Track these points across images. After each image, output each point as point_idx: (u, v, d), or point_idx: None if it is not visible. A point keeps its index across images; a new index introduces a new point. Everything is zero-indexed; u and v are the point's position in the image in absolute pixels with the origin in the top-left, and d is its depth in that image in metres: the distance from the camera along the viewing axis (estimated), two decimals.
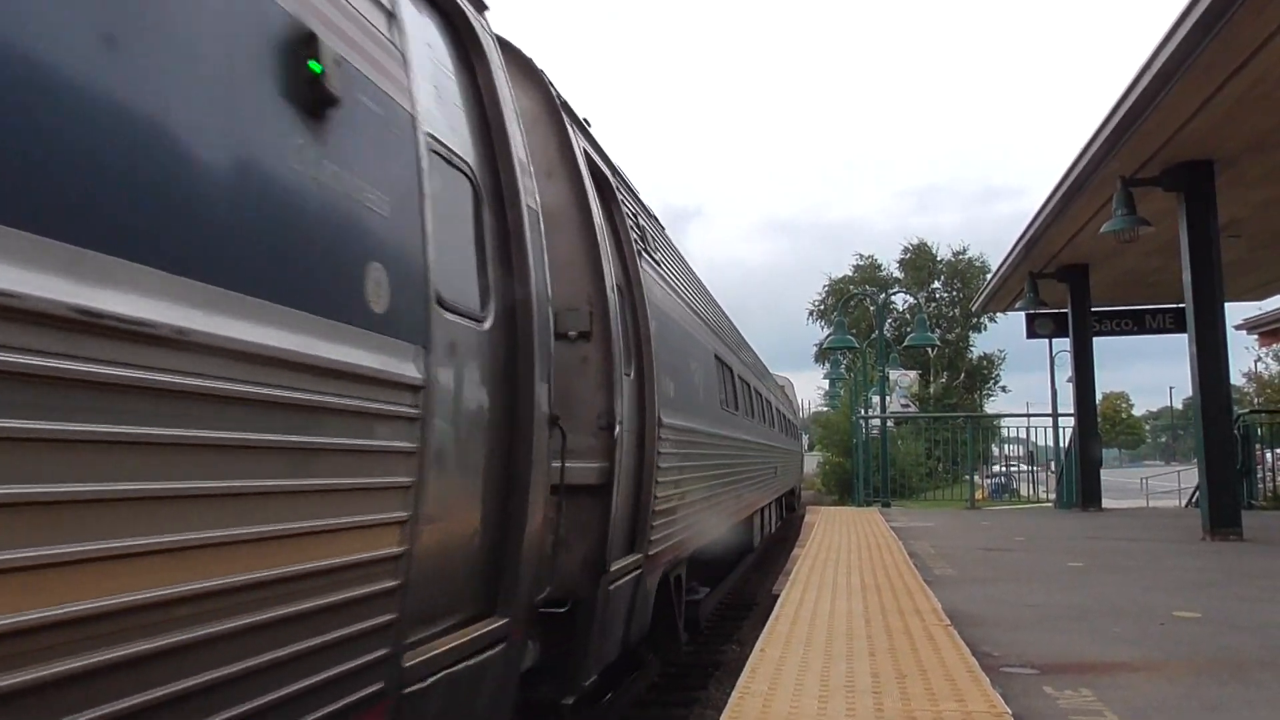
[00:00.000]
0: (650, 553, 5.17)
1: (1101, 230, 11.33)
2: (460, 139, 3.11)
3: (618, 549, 4.59)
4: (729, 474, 8.76)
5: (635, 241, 5.45)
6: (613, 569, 4.41)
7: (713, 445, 7.57)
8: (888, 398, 25.79)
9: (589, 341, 4.32)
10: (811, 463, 38.98)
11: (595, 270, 4.48)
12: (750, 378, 12.43)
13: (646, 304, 5.36)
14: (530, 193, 3.59)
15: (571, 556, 4.23)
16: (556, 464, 3.74)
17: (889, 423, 24.67)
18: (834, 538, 10.91)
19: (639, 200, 6.33)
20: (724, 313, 11.72)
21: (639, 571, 4.98)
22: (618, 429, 4.41)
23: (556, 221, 4.22)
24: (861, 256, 52.40)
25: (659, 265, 6.25)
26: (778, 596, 6.48)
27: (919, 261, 50.53)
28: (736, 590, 11.95)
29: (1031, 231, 13.85)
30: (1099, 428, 18.14)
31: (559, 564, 3.98)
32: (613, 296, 4.54)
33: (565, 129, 4.65)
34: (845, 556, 8.83)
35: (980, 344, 50.68)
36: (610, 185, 5.29)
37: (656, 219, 7.23)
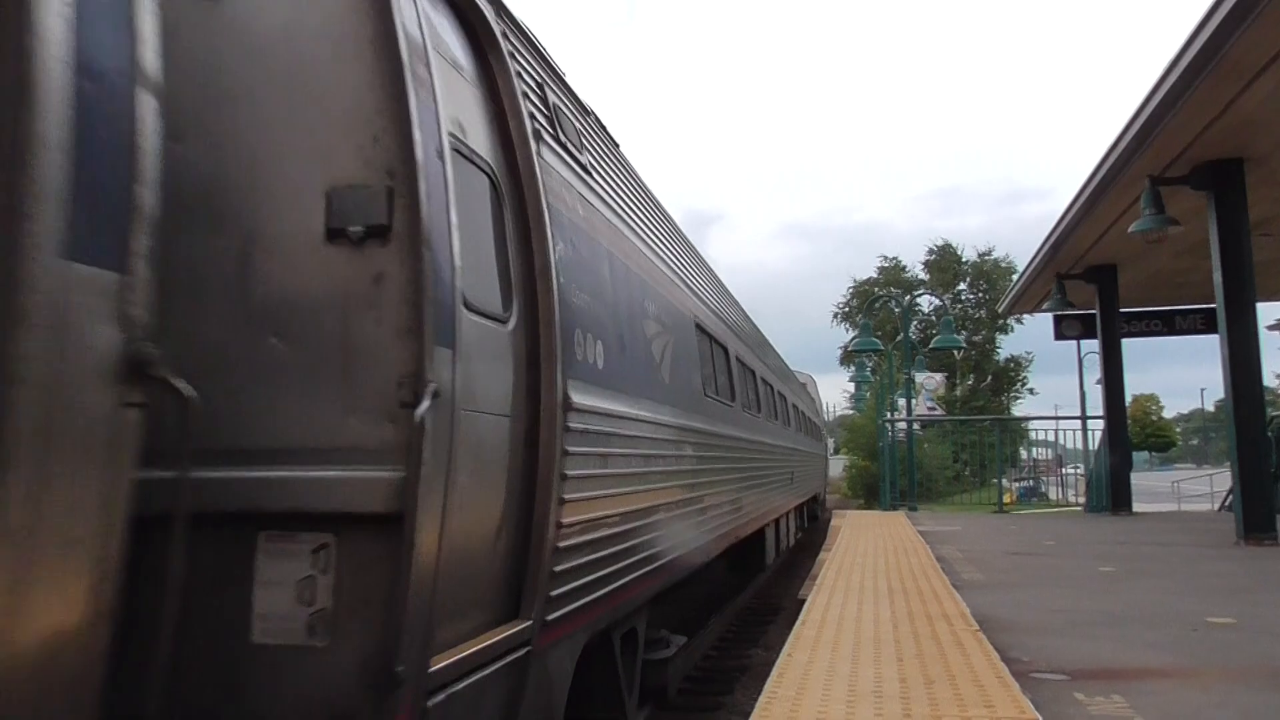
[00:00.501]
0: (552, 616, 3.31)
1: (1129, 230, 11.21)
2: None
3: (453, 627, 2.69)
4: (719, 482, 6.93)
5: (532, 116, 3.58)
6: (436, 667, 2.50)
7: (689, 444, 5.78)
8: (914, 401, 25.61)
9: (385, 245, 2.48)
10: (837, 466, 38.80)
11: (398, 120, 2.53)
12: (758, 365, 10.57)
13: (546, 212, 3.44)
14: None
15: (339, 653, 2.36)
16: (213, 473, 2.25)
17: (915, 426, 24.51)
18: (860, 542, 10.84)
19: (552, 69, 4.34)
20: (729, 294, 10.15)
21: (524, 652, 3.10)
22: (424, 407, 2.39)
23: (304, 31, 2.60)
24: (886, 258, 52.09)
25: (588, 174, 4.41)
26: (803, 601, 6.45)
27: (944, 263, 50.16)
28: (761, 594, 11.91)
29: (1058, 232, 13.72)
30: (1129, 430, 17.92)
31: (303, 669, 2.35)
32: (434, 169, 2.62)
33: None
34: (872, 561, 8.77)
35: (1007, 346, 50.23)
36: (483, 18, 3.38)
37: (596, 117, 5.22)
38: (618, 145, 5.79)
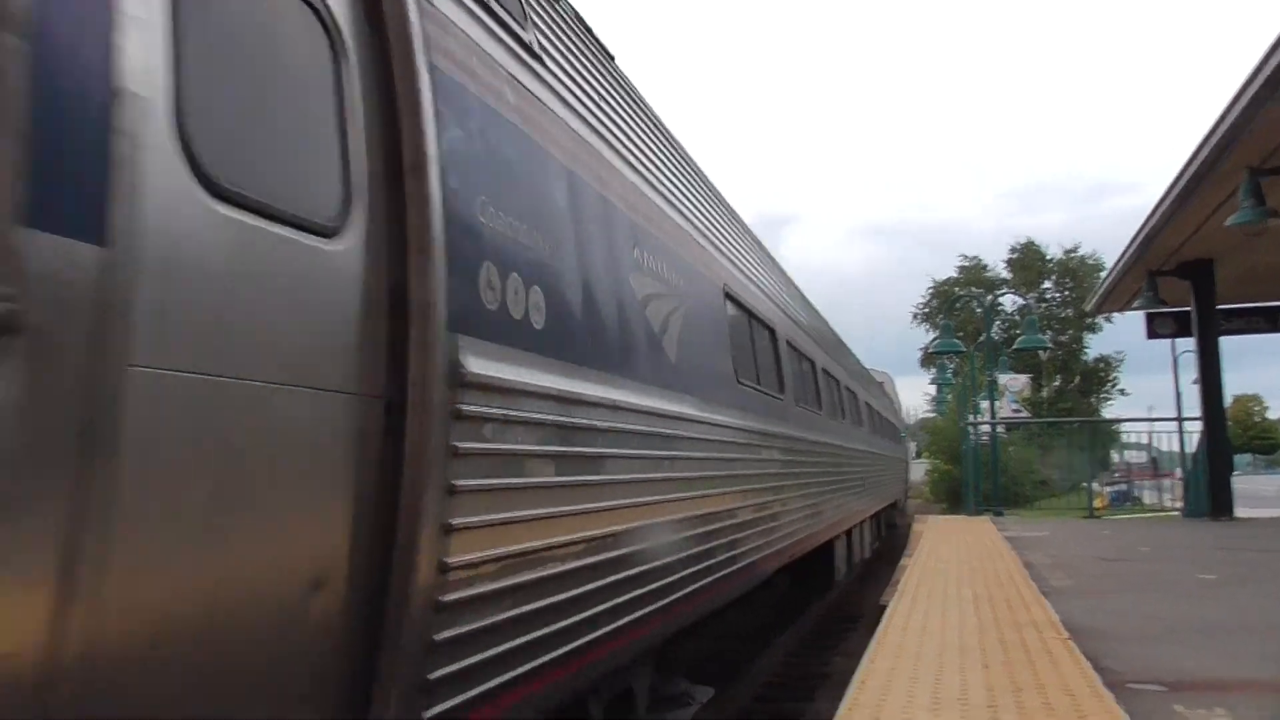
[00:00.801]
0: (439, 709, 2.16)
1: (1227, 224, 10.74)
2: None
3: None
4: (764, 490, 5.77)
5: None
6: None
7: (713, 442, 4.62)
8: (997, 403, 24.98)
9: None
10: (918, 470, 38.03)
11: None
12: (818, 355, 9.20)
13: (426, 79, 2.28)
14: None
15: None
16: None
17: (999, 428, 23.90)
18: (943, 548, 10.60)
19: None
20: (784, 275, 9.10)
21: None
22: None
23: None
24: (966, 257, 50.97)
25: (537, 59, 3.20)
26: (884, 608, 6.32)
27: (1028, 261, 48.87)
28: (840, 601, 11.72)
29: (1149, 227, 13.22)
30: (1228, 432, 17.17)
31: None
32: None
33: None
34: (955, 567, 8.56)
35: (1096, 345, 48.68)
36: None
37: (572, 8, 4.15)
38: (612, 59, 4.76)
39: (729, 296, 5.49)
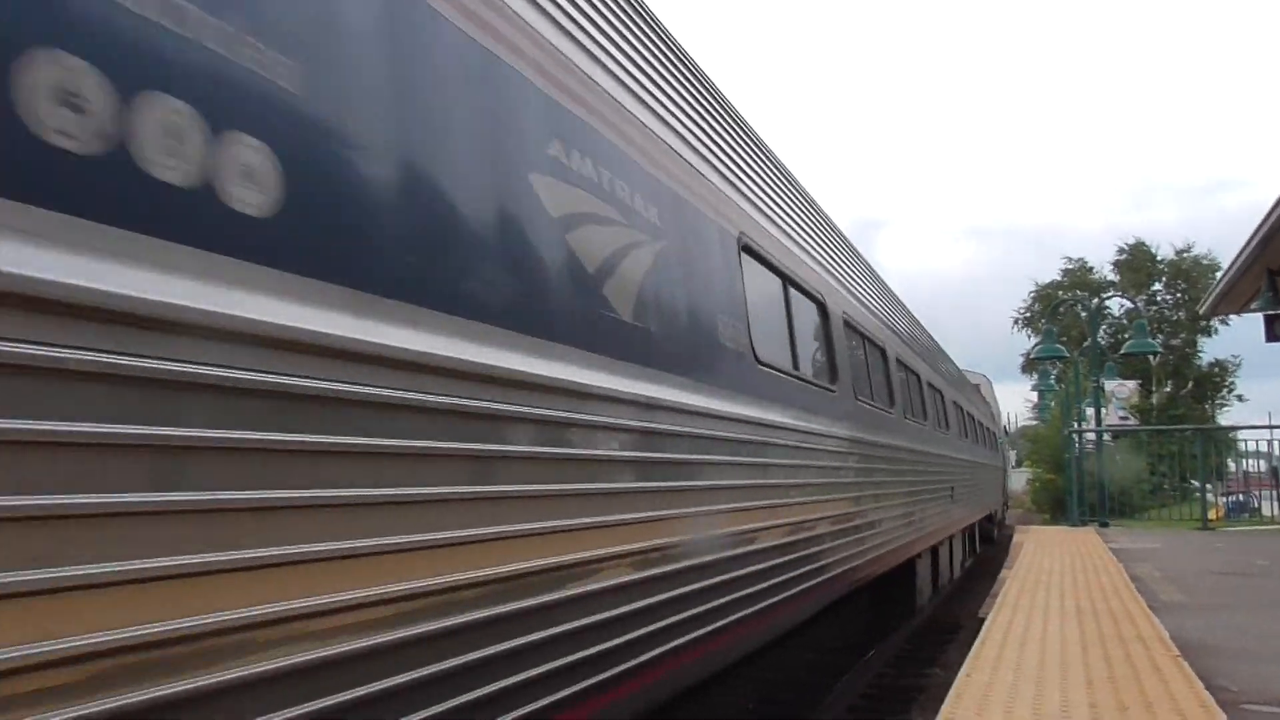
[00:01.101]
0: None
1: None
2: None
3: None
4: (798, 503, 4.80)
5: None
6: None
7: (704, 439, 3.61)
8: (1103, 410, 24.08)
9: None
10: (1020, 480, 36.91)
11: None
12: (890, 343, 8.19)
13: None
14: None
15: None
16: None
17: (1105, 436, 23.03)
18: (1045, 559, 10.28)
19: None
20: (881, 283, 8.50)
21: None
22: None
23: None
24: (1070, 259, 49.28)
25: None
26: (983, 620, 6.18)
27: (1136, 262, 46.98)
28: (939, 613, 11.46)
29: (1269, 223, 12.60)
30: None
31: None
32: None
33: None
34: (1058, 579, 8.30)
35: (1210, 349, 46.45)
36: None
37: None
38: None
39: (747, 249, 4.57)
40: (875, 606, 8.06)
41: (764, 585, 4.17)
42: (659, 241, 3.49)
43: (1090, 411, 23.53)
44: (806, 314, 5.59)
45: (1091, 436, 22.07)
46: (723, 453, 3.80)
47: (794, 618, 4.76)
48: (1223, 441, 26.38)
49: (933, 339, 12.35)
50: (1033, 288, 48.95)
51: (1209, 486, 20.66)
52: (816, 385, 5.50)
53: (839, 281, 6.55)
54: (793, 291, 5.31)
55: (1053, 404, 33.43)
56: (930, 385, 10.42)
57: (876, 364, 7.47)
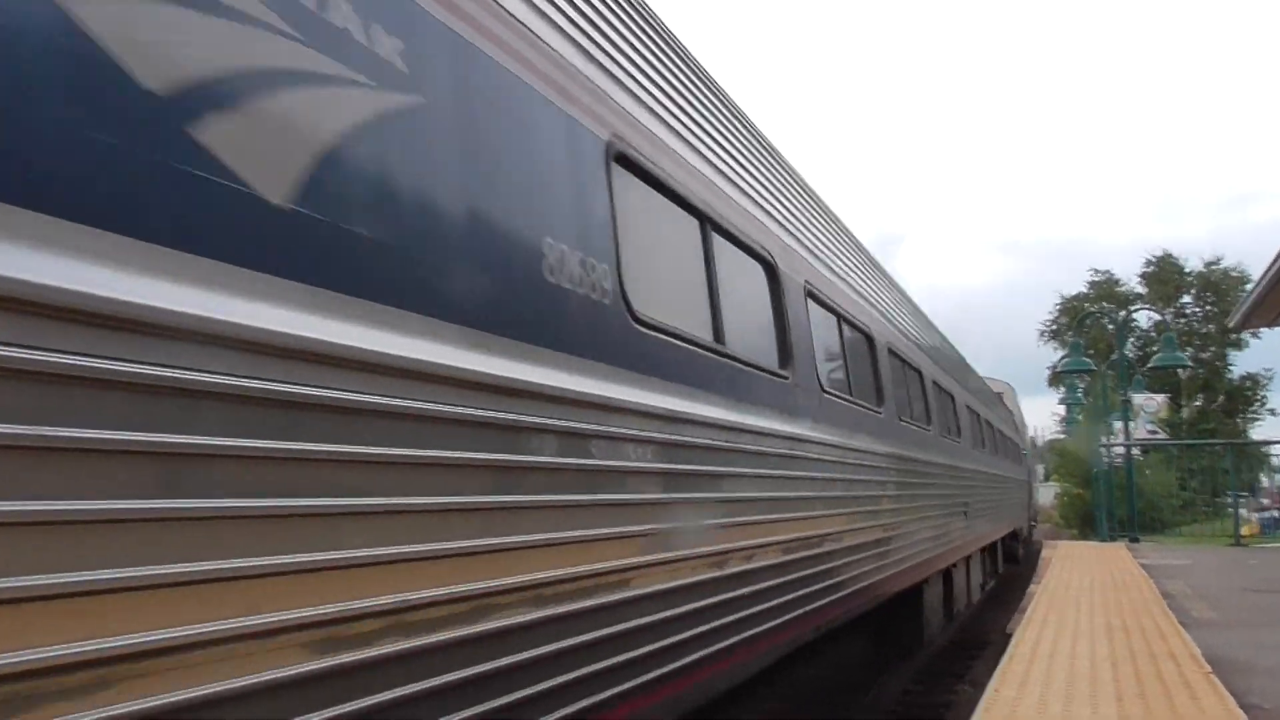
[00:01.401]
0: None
1: None
2: None
3: None
4: (765, 522, 3.95)
5: None
6: None
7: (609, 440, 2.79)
8: (1131, 424, 23.83)
9: None
10: (1047, 494, 36.51)
11: None
12: (887, 335, 7.02)
13: None
14: None
15: None
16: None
17: (1134, 451, 22.79)
18: (1074, 575, 10.19)
19: None
20: (883, 274, 7.51)
21: None
22: None
23: None
24: (1096, 272, 48.94)
25: None
26: (1011, 635, 6.15)
27: (1164, 275, 46.54)
28: (966, 628, 11.38)
29: None
30: None
31: None
32: None
33: None
34: (1087, 595, 8.23)
35: (1242, 362, 45.87)
36: None
37: None
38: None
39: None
40: (879, 637, 6.87)
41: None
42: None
43: (1118, 425, 23.30)
44: (751, 285, 4.64)
45: (1120, 451, 21.84)
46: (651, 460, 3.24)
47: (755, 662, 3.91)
48: (1255, 456, 26.04)
49: (944, 338, 10.82)
50: (1059, 300, 48.68)
51: (1241, 502, 20.38)
52: (779, 380, 4.49)
53: (830, 269, 5.89)
54: (745, 257, 4.55)
55: (1080, 418, 33.11)
56: (939, 388, 8.89)
57: (863, 361, 6.32)
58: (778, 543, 4.08)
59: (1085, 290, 48.14)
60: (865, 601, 5.50)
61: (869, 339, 6.44)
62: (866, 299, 6.71)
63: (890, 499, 6.27)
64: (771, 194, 4.92)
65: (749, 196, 4.46)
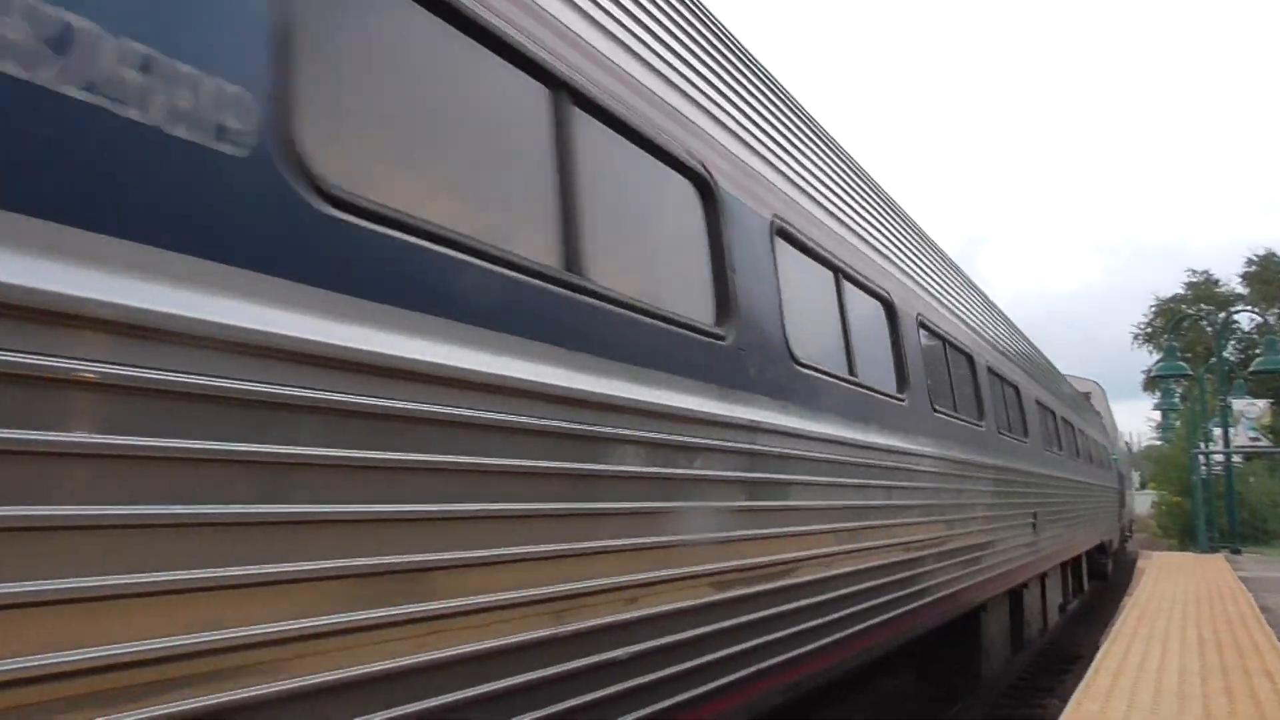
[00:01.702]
0: None
1: None
2: None
3: None
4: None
5: None
6: None
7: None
8: (1232, 430, 22.97)
9: None
10: (1144, 502, 35.33)
11: None
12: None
13: None
14: None
15: None
16: None
17: (1235, 458, 21.97)
18: (1168, 586, 9.97)
19: None
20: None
21: None
22: None
23: None
24: (1194, 272, 47.21)
25: None
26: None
27: (1268, 274, 44.57)
28: (1058, 641, 11.19)
29: None
30: None
31: None
32: None
33: None
34: (1181, 608, 8.09)
35: None
36: None
37: None
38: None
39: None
40: (926, 672, 6.07)
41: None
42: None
43: (1218, 432, 22.50)
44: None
45: (1219, 458, 21.09)
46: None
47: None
48: None
49: (1013, 325, 9.89)
50: (1154, 302, 47.11)
51: None
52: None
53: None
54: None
55: (1177, 423, 32.00)
56: (1002, 381, 7.95)
57: (890, 341, 5.39)
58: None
59: (1182, 291, 46.52)
60: (896, 632, 4.70)
61: (902, 321, 5.69)
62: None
63: (938, 510, 5.50)
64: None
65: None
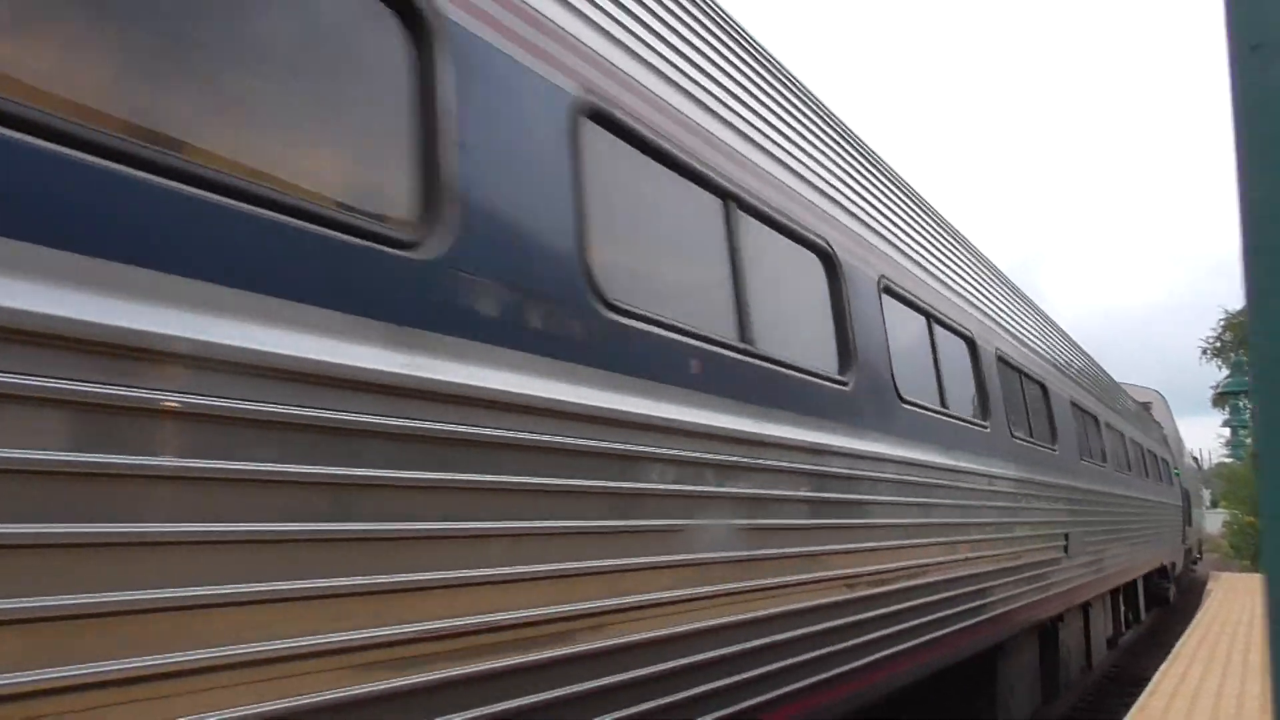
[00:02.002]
0: None
1: None
2: None
3: None
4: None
5: None
6: None
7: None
8: None
9: None
10: (1215, 521, 34.33)
11: None
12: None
13: None
14: None
15: None
16: None
17: None
18: (1234, 609, 9.77)
19: None
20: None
21: None
22: None
23: None
24: None
25: None
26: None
27: None
28: (1122, 663, 10.98)
29: None
30: None
31: None
32: None
33: None
34: (1245, 631, 7.94)
35: None
36: None
37: None
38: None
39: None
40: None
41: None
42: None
43: None
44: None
45: None
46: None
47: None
48: None
49: (1058, 328, 9.42)
50: (1223, 315, 45.85)
51: None
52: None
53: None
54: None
55: (1248, 440, 31.08)
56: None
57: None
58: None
59: None
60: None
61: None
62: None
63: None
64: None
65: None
